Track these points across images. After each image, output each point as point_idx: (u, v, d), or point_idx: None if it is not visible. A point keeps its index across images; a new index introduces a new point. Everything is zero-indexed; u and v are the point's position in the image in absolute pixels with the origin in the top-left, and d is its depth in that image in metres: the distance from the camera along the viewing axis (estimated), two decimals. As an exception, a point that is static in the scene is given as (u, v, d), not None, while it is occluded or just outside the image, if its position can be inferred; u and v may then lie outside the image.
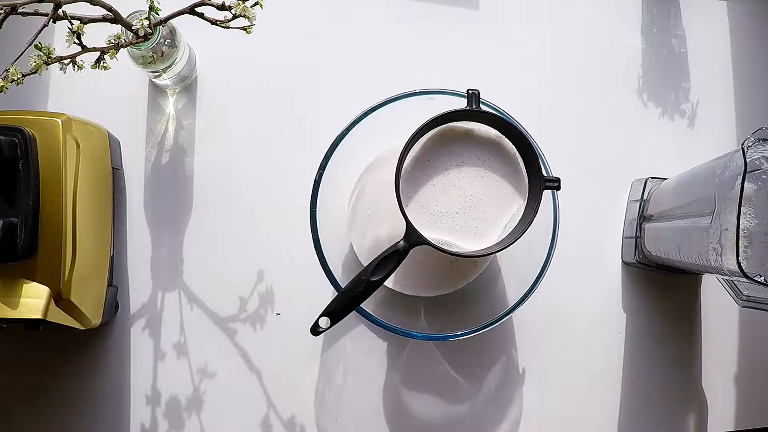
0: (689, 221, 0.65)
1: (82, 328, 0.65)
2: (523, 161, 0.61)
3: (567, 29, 0.82)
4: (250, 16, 0.55)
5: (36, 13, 0.50)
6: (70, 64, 0.53)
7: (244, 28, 0.56)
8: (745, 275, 0.55)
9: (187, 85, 0.76)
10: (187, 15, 0.55)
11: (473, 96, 0.58)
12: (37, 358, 0.73)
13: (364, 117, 0.64)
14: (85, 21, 0.52)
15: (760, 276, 0.55)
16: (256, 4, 0.55)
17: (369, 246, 0.68)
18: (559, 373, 0.78)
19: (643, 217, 0.77)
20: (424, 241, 0.57)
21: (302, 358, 0.75)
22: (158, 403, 0.74)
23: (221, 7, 0.54)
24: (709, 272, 0.65)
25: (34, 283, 0.57)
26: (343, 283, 0.61)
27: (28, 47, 0.49)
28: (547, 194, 0.59)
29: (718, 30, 0.84)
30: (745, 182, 0.55)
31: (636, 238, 0.76)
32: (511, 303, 0.65)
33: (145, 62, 0.65)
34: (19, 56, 0.49)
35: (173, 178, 0.76)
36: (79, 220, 0.61)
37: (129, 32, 0.56)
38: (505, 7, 0.81)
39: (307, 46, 0.78)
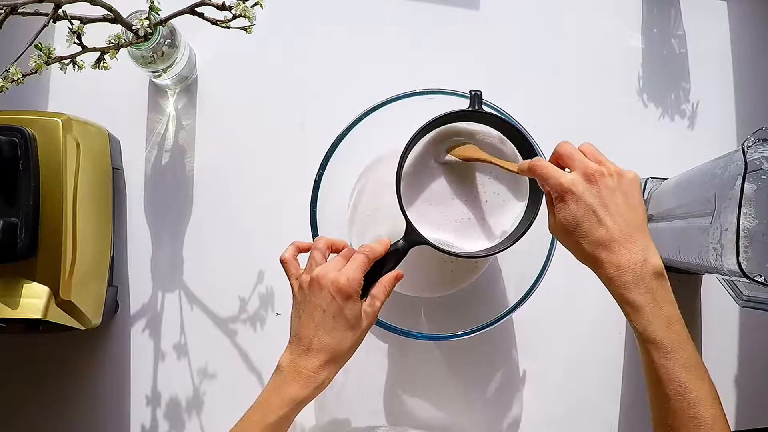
0: (689, 221, 0.65)
1: (82, 328, 0.65)
2: (524, 162, 0.61)
3: (567, 30, 0.82)
4: (250, 16, 0.54)
5: (36, 13, 0.50)
6: (70, 64, 0.53)
7: (244, 28, 0.56)
8: (745, 275, 0.55)
9: (187, 85, 0.76)
10: (187, 15, 0.55)
11: (476, 97, 0.58)
12: (37, 358, 0.73)
13: (364, 117, 0.64)
14: (85, 21, 0.52)
15: (760, 276, 0.55)
16: (256, 4, 0.54)
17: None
18: (559, 373, 0.78)
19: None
20: (423, 241, 0.57)
21: (302, 358, 0.75)
22: (158, 403, 0.74)
23: (221, 7, 0.54)
24: (709, 272, 0.65)
25: (34, 283, 0.57)
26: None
27: (28, 47, 0.49)
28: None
29: (718, 30, 0.84)
30: (745, 182, 0.55)
31: (636, 238, 0.76)
32: (511, 303, 0.65)
33: (145, 62, 0.65)
34: (19, 56, 0.49)
35: (173, 178, 0.76)
36: (79, 220, 0.61)
37: (129, 32, 0.56)
38: (505, 8, 0.81)
39: (307, 46, 0.78)
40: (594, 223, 0.50)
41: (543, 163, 0.53)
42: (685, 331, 0.49)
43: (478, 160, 0.59)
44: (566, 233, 0.51)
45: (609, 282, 0.50)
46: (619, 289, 0.49)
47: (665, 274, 0.50)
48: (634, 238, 0.50)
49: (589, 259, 0.51)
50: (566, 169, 0.52)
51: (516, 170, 0.56)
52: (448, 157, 0.60)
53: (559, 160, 0.53)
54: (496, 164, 0.59)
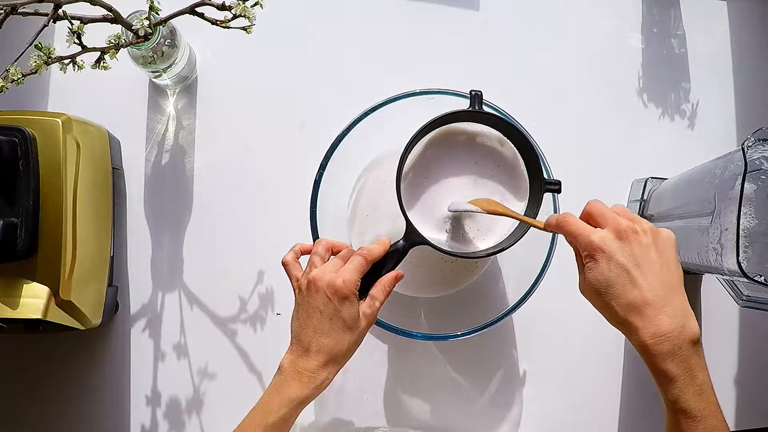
0: (689, 221, 0.65)
1: (82, 328, 0.65)
2: (525, 163, 0.61)
3: (567, 30, 0.82)
4: (250, 16, 0.54)
5: (36, 13, 0.50)
6: (70, 64, 0.53)
7: (244, 28, 0.56)
8: (745, 275, 0.55)
9: (187, 85, 0.76)
10: (187, 15, 0.55)
11: (476, 97, 0.58)
12: (37, 358, 0.73)
13: (364, 117, 0.64)
14: (85, 21, 0.52)
15: (760, 276, 0.55)
16: (256, 4, 0.54)
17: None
18: (559, 373, 0.78)
19: (643, 217, 0.76)
20: (423, 241, 0.57)
21: (302, 358, 0.75)
22: (158, 403, 0.74)
23: (221, 7, 0.54)
24: (709, 272, 0.65)
25: (34, 283, 0.57)
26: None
27: (28, 47, 0.49)
28: (547, 196, 0.59)
29: (718, 30, 0.84)
30: (745, 182, 0.55)
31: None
32: (511, 303, 0.65)
33: (145, 62, 0.65)
34: (19, 56, 0.49)
35: (173, 178, 0.76)
36: (79, 220, 0.61)
37: (129, 32, 0.56)
38: (505, 8, 0.81)
39: (307, 46, 0.78)
40: (627, 284, 0.47)
41: (572, 219, 0.50)
42: (714, 395, 0.47)
43: (502, 214, 0.57)
44: (597, 294, 0.48)
45: (643, 350, 0.47)
46: (653, 359, 0.46)
47: (701, 339, 0.47)
48: (671, 300, 0.47)
49: (623, 324, 0.48)
50: (597, 228, 0.50)
51: (542, 227, 0.53)
52: (471, 206, 0.58)
53: (589, 218, 0.50)
54: (521, 220, 0.56)
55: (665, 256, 0.48)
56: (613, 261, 0.47)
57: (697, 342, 0.47)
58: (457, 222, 0.62)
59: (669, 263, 0.48)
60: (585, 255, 0.49)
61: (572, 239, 0.50)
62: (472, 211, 0.58)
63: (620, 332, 0.49)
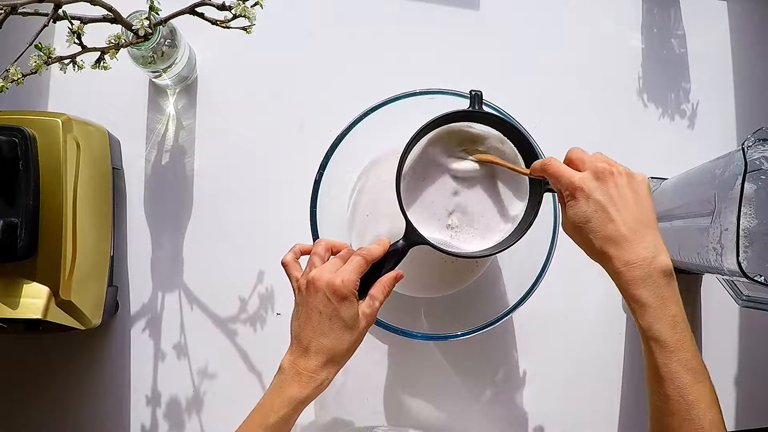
0: (689, 221, 0.65)
1: (82, 328, 0.65)
2: (524, 163, 0.61)
3: (567, 30, 0.82)
4: (250, 16, 0.55)
5: (36, 13, 0.50)
6: (70, 64, 0.53)
7: (244, 28, 0.56)
8: (745, 275, 0.55)
9: (187, 85, 0.76)
10: (187, 15, 0.55)
11: (476, 97, 0.58)
12: (37, 358, 0.73)
13: (364, 117, 0.64)
14: (85, 21, 0.52)
15: (760, 276, 0.55)
16: (256, 4, 0.55)
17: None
18: (559, 373, 0.78)
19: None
20: (423, 241, 0.57)
21: (302, 358, 0.75)
22: (158, 403, 0.74)
23: (221, 7, 0.54)
24: (709, 272, 0.65)
25: (34, 283, 0.57)
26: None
27: (28, 47, 0.49)
28: (547, 196, 0.59)
29: (718, 30, 0.84)
30: (745, 182, 0.55)
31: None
32: (511, 303, 0.65)
33: (145, 62, 0.65)
34: (19, 56, 0.49)
35: (173, 178, 0.76)
36: (79, 220, 0.61)
37: (129, 32, 0.56)
38: (505, 8, 0.81)
39: (307, 46, 0.78)
40: (604, 219, 0.50)
41: (555, 162, 0.54)
42: (690, 332, 0.49)
43: (491, 162, 0.60)
44: (577, 230, 0.52)
45: (617, 277, 0.50)
46: (626, 285, 0.50)
47: (674, 273, 0.50)
48: (644, 235, 0.50)
49: (599, 254, 0.51)
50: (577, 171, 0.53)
51: (528, 173, 0.57)
52: (465, 156, 0.61)
53: (570, 163, 0.54)
54: (509, 168, 0.59)
55: (639, 196, 0.52)
56: (591, 199, 0.51)
57: (668, 274, 0.50)
58: (457, 222, 0.62)
59: (643, 203, 0.52)
60: (566, 194, 0.52)
61: (555, 180, 0.53)
62: (466, 159, 0.61)
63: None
